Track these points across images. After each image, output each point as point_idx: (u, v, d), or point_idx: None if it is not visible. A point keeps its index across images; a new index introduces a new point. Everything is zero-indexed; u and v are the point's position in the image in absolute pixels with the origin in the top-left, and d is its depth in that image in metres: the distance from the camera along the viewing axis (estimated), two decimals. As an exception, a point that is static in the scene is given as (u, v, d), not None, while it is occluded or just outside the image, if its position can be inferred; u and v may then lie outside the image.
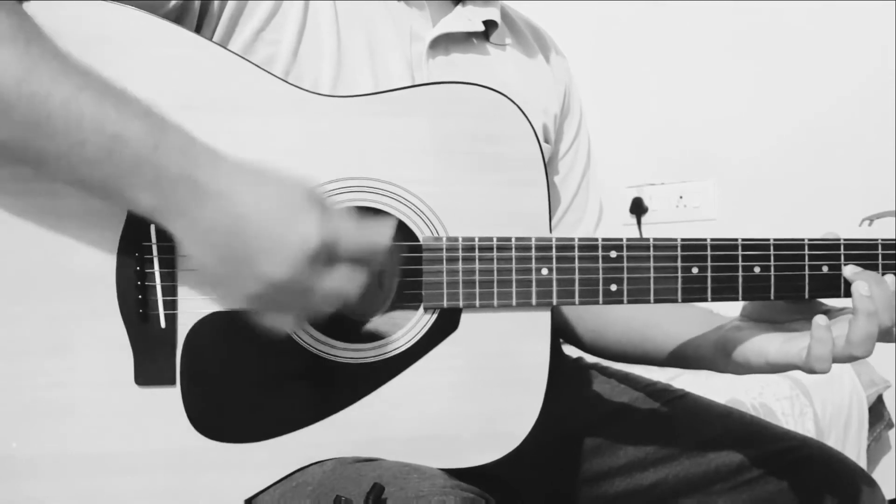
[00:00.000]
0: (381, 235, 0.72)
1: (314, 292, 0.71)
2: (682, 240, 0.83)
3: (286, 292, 0.70)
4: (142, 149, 0.68)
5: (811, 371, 0.83)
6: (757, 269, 0.84)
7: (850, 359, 0.82)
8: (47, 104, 0.68)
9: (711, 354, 0.93)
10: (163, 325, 0.77)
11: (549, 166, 1.04)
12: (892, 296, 0.82)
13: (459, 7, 1.00)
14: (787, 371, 0.86)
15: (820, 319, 0.81)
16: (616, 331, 1.06)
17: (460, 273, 0.81)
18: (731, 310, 0.94)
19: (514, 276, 0.81)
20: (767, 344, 0.86)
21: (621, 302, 0.83)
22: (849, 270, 0.84)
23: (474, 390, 0.81)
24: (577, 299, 0.82)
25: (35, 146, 0.70)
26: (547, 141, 1.06)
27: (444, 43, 0.97)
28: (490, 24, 1.01)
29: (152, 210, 0.71)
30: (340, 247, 0.70)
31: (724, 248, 0.83)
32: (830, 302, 0.88)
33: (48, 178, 0.73)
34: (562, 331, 1.11)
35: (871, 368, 2.12)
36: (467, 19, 0.98)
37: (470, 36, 1.00)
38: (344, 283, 0.71)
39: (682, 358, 0.99)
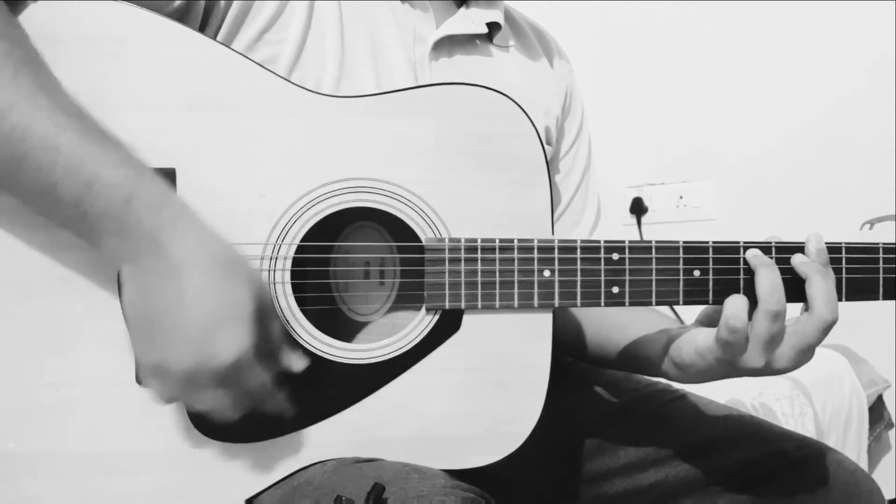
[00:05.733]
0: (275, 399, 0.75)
1: (199, 396, 0.72)
2: (684, 242, 0.83)
3: (175, 379, 0.71)
4: (113, 201, 0.67)
5: (729, 336, 0.80)
6: (759, 272, 0.83)
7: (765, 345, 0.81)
8: (25, 142, 0.67)
9: (657, 355, 0.92)
10: (165, 324, 0.77)
11: (550, 166, 1.04)
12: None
13: (463, 9, 1.00)
14: (719, 371, 0.85)
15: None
16: (588, 330, 1.06)
17: (462, 274, 0.81)
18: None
19: (516, 278, 0.81)
20: (699, 333, 0.86)
21: (623, 304, 0.83)
22: (750, 254, 0.83)
23: (476, 391, 0.81)
24: (578, 301, 0.82)
25: (8, 180, 0.69)
26: (549, 143, 1.06)
27: (448, 45, 0.97)
28: (493, 26, 1.01)
29: (110, 255, 0.70)
30: (239, 383, 0.71)
31: (726, 251, 0.83)
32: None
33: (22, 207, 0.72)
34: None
35: (872, 368, 2.13)
36: (471, 21, 0.98)
37: (473, 38, 1.00)
38: (224, 408, 0.72)
39: (634, 359, 0.98)
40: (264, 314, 0.72)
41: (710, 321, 0.88)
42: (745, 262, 0.83)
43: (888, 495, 1.36)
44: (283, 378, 0.74)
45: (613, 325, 1.03)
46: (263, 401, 0.74)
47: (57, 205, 0.68)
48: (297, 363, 0.76)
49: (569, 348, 1.11)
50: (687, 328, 0.90)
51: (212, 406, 0.72)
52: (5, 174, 0.68)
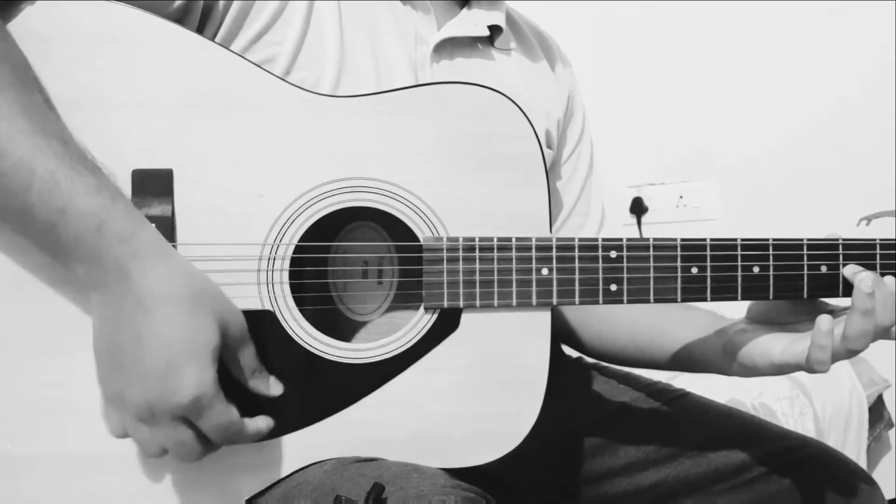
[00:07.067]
0: (244, 433, 0.73)
1: (159, 431, 0.70)
2: (682, 240, 0.83)
3: (133, 413, 0.70)
4: (84, 230, 0.68)
5: (811, 371, 0.84)
6: (756, 269, 0.84)
7: (849, 354, 0.82)
8: (2, 162, 0.67)
9: (719, 358, 0.93)
10: (164, 324, 0.77)
11: (551, 171, 1.04)
12: (892, 296, 0.82)
13: (465, 10, 0.99)
14: (791, 372, 0.87)
15: (823, 324, 0.81)
16: (623, 337, 1.06)
17: (461, 273, 0.81)
18: (738, 311, 0.94)
19: (514, 276, 0.81)
20: (773, 345, 0.87)
21: (621, 302, 0.83)
22: (849, 270, 0.84)
23: (475, 390, 0.81)
24: (577, 299, 0.82)
25: None
26: (549, 146, 1.06)
27: (449, 47, 0.97)
28: (495, 29, 1.01)
29: (82, 281, 0.71)
30: (201, 420, 0.70)
31: (724, 248, 0.84)
32: (831, 301, 0.88)
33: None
34: (563, 334, 1.11)
35: (871, 368, 2.12)
36: (472, 24, 0.98)
37: (475, 40, 1.00)
38: (186, 447, 0.71)
39: (689, 362, 0.99)
40: (232, 346, 0.72)
41: (765, 319, 0.90)
42: (743, 259, 0.84)
43: (888, 495, 1.36)
44: (257, 407, 0.74)
45: (656, 331, 1.03)
46: (233, 436, 0.73)
47: (34, 227, 0.69)
48: (274, 388, 0.76)
49: (591, 352, 1.11)
50: (741, 327, 0.91)
51: (173, 443, 0.71)
52: None
